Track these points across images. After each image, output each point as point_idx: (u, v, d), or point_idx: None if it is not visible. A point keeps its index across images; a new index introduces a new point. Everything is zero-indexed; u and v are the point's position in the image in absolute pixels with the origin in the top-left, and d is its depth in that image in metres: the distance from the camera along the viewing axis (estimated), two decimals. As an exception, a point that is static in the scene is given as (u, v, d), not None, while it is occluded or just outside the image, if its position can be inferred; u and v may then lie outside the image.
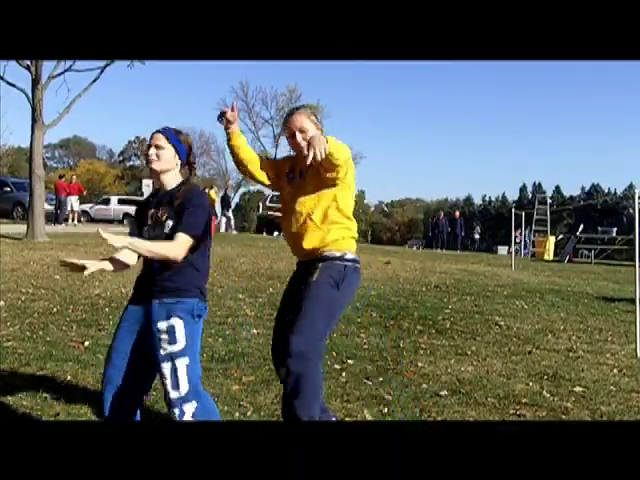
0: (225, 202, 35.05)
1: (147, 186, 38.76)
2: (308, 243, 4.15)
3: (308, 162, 3.73)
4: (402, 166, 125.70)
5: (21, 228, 18.31)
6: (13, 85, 18.92)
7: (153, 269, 3.72)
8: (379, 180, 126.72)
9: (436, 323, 8.77)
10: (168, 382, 3.56)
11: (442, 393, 5.55)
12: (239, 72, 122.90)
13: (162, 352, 3.58)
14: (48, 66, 18.74)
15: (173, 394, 3.56)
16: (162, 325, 3.59)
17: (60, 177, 31.86)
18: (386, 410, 5.09)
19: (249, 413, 4.98)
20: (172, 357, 3.57)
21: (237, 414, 4.93)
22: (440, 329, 8.39)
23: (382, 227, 77.43)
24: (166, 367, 3.58)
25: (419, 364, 6.55)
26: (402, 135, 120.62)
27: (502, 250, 36.55)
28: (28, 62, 18.16)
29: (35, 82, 18.26)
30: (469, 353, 7.11)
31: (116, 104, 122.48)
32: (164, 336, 3.58)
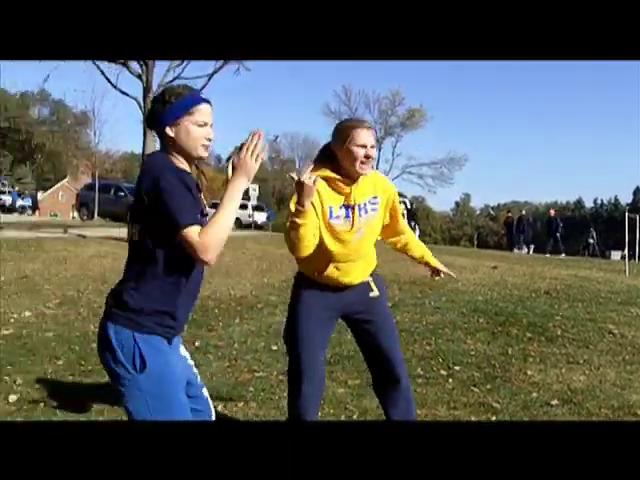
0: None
1: (254, 190, 39.35)
2: (364, 277, 3.97)
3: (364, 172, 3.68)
4: (509, 168, 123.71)
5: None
6: (126, 94, 19.64)
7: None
8: (485, 183, 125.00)
9: (546, 330, 8.54)
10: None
11: (553, 402, 5.41)
12: (342, 76, 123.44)
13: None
14: (158, 74, 19.32)
15: None
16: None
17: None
18: (494, 418, 5.00)
19: (355, 417, 4.98)
20: None
21: (343, 417, 4.95)
22: (550, 336, 8.18)
23: (488, 231, 76.35)
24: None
25: (528, 372, 6.41)
26: (508, 136, 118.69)
27: (615, 255, 35.26)
28: (139, 71, 18.77)
29: (146, 90, 18.83)
30: (581, 362, 6.90)
31: (221, 110, 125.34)
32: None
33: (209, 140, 2.81)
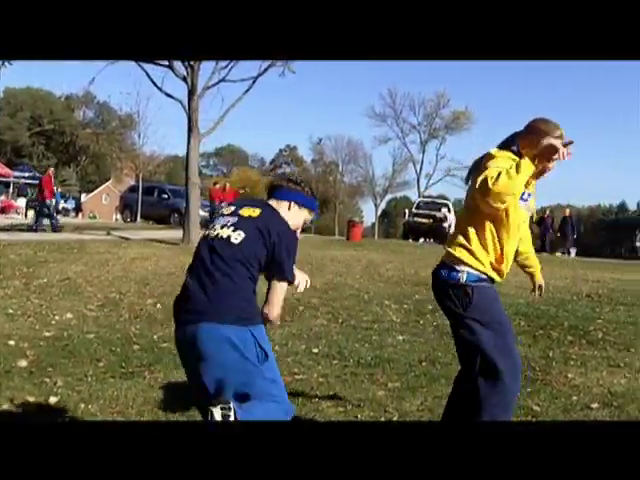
0: None
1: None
2: None
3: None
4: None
5: (178, 234, 18.99)
6: (170, 96, 19.79)
7: None
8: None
9: (587, 333, 8.47)
10: None
11: (593, 406, 5.39)
12: (387, 78, 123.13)
13: None
14: (203, 77, 19.48)
15: None
16: None
17: (214, 184, 32.67)
18: (534, 421, 4.99)
19: (395, 419, 5.02)
20: None
21: (382, 419, 4.99)
22: (591, 340, 8.11)
23: (531, 234, 75.43)
24: None
25: (569, 375, 6.38)
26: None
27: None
28: (185, 73, 18.95)
29: (191, 93, 18.99)
30: (622, 365, 6.84)
31: (265, 111, 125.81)
32: None
33: (302, 231, 3.64)
